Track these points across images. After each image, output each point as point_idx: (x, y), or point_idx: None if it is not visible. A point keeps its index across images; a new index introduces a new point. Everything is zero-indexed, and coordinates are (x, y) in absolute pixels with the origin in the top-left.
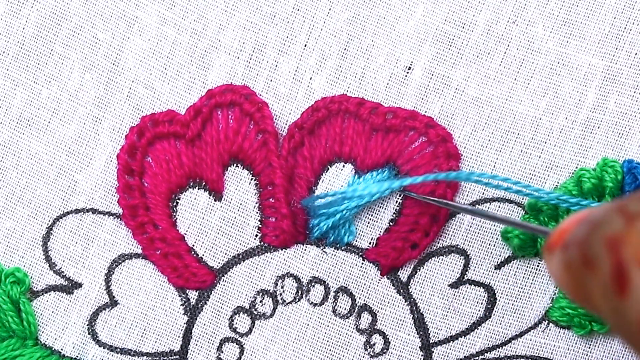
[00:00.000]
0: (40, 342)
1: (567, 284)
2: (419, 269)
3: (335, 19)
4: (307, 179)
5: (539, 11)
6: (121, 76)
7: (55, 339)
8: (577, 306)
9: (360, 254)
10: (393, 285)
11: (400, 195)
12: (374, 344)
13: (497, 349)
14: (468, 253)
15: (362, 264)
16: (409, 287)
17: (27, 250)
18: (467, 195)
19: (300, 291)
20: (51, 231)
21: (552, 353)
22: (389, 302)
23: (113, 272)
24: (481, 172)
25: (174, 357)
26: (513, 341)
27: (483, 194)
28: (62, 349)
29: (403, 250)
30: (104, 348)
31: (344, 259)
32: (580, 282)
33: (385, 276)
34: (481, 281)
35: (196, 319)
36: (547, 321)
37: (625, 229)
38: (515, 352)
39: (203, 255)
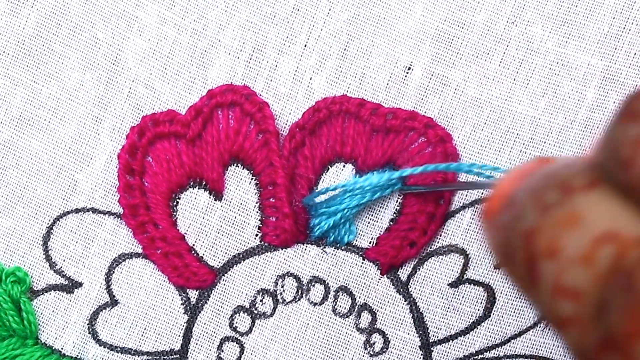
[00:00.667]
0: (41, 341)
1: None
2: (419, 269)
3: (335, 19)
4: (308, 178)
5: (538, 11)
6: (121, 76)
7: (56, 338)
8: None
9: (360, 253)
10: (393, 285)
11: (401, 195)
12: (374, 343)
13: (497, 348)
14: (467, 252)
15: (362, 263)
16: (409, 286)
17: (28, 249)
18: (467, 194)
19: (300, 290)
20: (51, 230)
21: (551, 352)
22: (388, 302)
23: (113, 272)
24: (482, 164)
25: (175, 356)
26: (512, 340)
27: (483, 193)
28: (62, 348)
29: (401, 248)
30: (104, 347)
31: (344, 259)
32: (507, 270)
33: (385, 275)
34: (481, 280)
35: (196, 318)
36: (547, 322)
37: (538, 221)
38: (515, 351)
39: (203, 254)
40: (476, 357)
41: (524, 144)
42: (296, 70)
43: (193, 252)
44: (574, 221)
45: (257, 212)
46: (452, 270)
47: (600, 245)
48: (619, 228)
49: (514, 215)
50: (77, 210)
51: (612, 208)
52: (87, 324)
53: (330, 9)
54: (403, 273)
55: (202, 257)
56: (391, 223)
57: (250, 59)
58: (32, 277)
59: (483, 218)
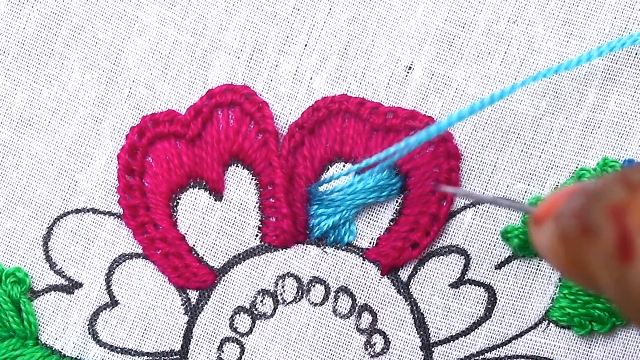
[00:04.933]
0: (41, 342)
1: (560, 255)
2: (420, 269)
3: (336, 18)
4: (307, 178)
5: (540, 11)
6: (122, 76)
7: (56, 339)
8: (577, 305)
9: (361, 253)
10: (393, 285)
11: (400, 195)
12: (375, 344)
13: (498, 349)
14: (468, 253)
15: (363, 263)
16: (410, 286)
17: (28, 250)
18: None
19: (300, 291)
20: (52, 231)
21: (552, 353)
22: (389, 302)
23: (114, 272)
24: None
25: (175, 357)
26: (513, 341)
27: (484, 192)
28: (62, 349)
29: (403, 249)
30: (104, 348)
31: (344, 259)
32: (577, 252)
33: (385, 276)
34: (481, 281)
35: (197, 318)
36: (547, 321)
37: (629, 198)
38: (516, 352)
39: (204, 255)
40: (477, 357)
41: (525, 143)
42: (296, 70)
43: (193, 252)
44: None
45: (257, 213)
46: (453, 271)
47: None
48: None
49: (592, 197)
50: (77, 211)
51: None
52: (88, 325)
53: (330, 9)
54: (404, 273)
55: (202, 258)
56: (391, 223)
57: (251, 58)
58: (32, 277)
59: (536, 221)
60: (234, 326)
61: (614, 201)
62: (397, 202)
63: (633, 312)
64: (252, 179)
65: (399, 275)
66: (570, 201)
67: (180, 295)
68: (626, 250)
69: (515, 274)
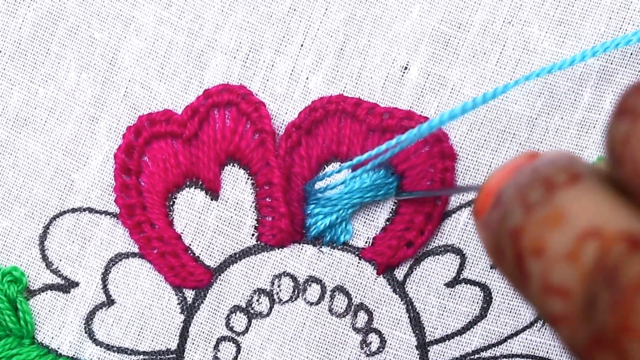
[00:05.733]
0: (37, 341)
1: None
2: (415, 268)
3: (332, 19)
4: (304, 178)
5: (535, 11)
6: (118, 76)
7: (52, 338)
8: None
9: (357, 253)
10: (389, 285)
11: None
12: (370, 343)
13: (493, 348)
14: (464, 252)
15: (359, 263)
16: (405, 286)
17: (24, 249)
18: (464, 194)
19: (296, 290)
20: (48, 230)
21: (548, 352)
22: (385, 301)
23: (110, 271)
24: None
25: (171, 356)
26: (509, 340)
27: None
28: (58, 348)
29: (398, 248)
30: (100, 347)
31: (340, 258)
32: (500, 269)
33: (381, 275)
34: (477, 280)
35: (193, 317)
36: (543, 320)
37: (524, 220)
38: (511, 351)
39: (200, 254)
40: (472, 356)
41: (520, 143)
42: (293, 70)
43: (189, 251)
44: (557, 219)
45: (254, 212)
46: (449, 270)
47: (584, 242)
48: (602, 223)
49: (502, 214)
50: (73, 210)
51: (595, 203)
52: (84, 324)
53: (326, 9)
54: (399, 273)
55: (198, 257)
56: (387, 223)
57: (247, 58)
58: (28, 276)
59: (475, 217)
60: (230, 325)
61: (513, 224)
62: (393, 201)
63: (550, 327)
64: (248, 179)
65: (395, 275)
66: (493, 213)
67: (176, 295)
68: (523, 273)
69: None
